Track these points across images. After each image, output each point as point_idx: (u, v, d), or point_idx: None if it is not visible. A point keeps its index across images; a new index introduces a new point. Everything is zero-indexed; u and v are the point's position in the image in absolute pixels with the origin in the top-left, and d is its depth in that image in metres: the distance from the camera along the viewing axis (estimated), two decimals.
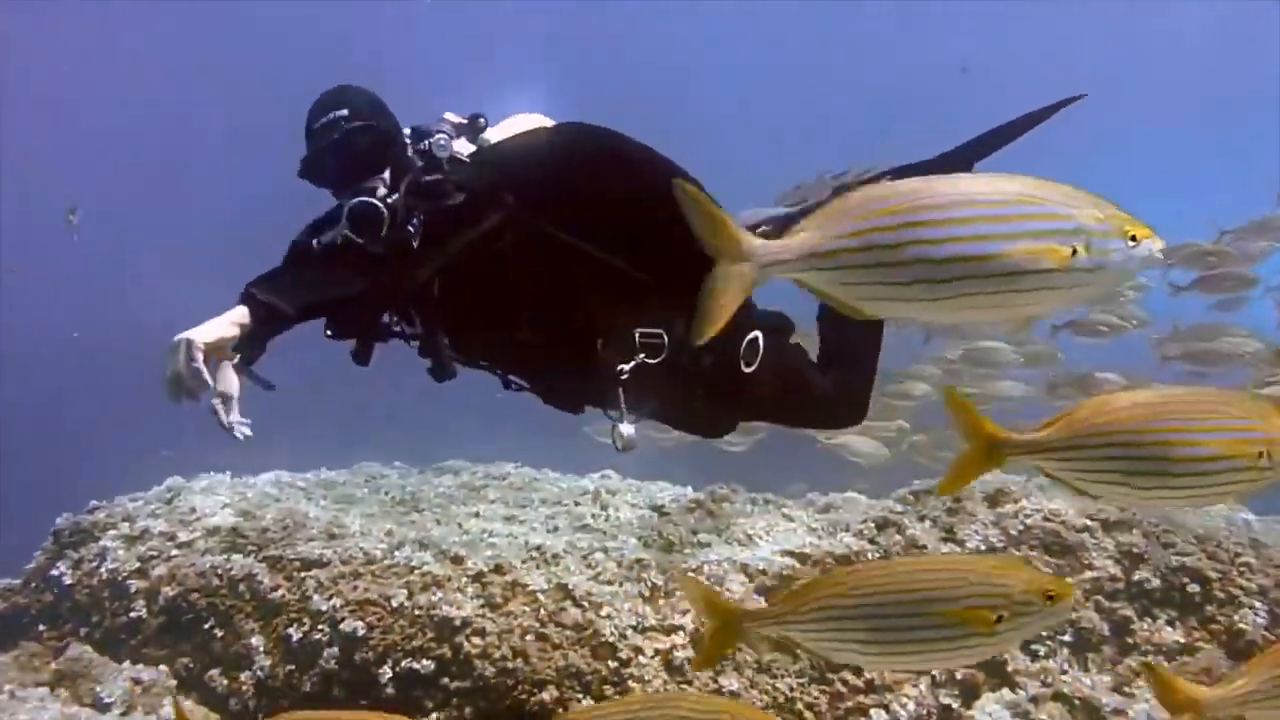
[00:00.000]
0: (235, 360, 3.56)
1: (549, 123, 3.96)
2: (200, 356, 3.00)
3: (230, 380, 3.45)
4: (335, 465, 7.43)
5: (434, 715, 4.76)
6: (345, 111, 3.53)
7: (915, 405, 7.84)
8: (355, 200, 3.43)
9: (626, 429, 3.79)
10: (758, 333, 3.92)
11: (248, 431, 3.33)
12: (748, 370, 3.91)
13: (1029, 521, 5.31)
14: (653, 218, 3.73)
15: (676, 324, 3.82)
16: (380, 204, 3.42)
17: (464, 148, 3.70)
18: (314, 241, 3.49)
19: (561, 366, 3.81)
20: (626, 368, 3.73)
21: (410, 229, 3.42)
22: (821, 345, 4.35)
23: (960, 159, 4.13)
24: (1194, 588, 4.90)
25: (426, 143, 3.62)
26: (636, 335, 3.76)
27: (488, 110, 3.84)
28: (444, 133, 3.65)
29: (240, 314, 3.13)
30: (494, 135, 3.80)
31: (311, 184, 3.63)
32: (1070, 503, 5.49)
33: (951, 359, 7.42)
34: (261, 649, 5.05)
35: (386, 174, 3.53)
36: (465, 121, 3.74)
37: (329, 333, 3.64)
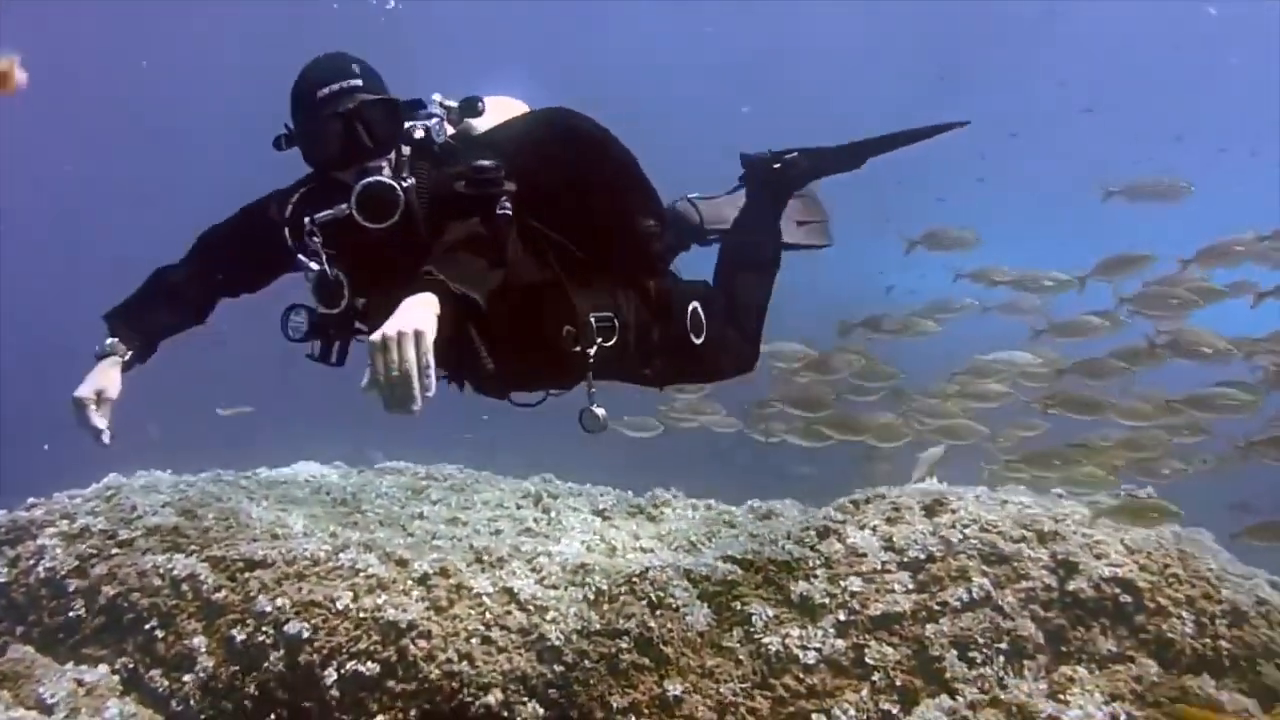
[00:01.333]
0: (126, 357, 3.58)
1: (524, 107, 4.00)
2: (432, 356, 2.81)
3: (114, 380, 3.48)
4: (275, 464, 7.39)
5: (379, 718, 4.76)
6: (358, 81, 3.48)
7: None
8: (371, 180, 3.41)
9: (600, 410, 3.87)
10: (696, 304, 4.02)
11: (106, 440, 3.35)
12: (698, 341, 4.05)
13: (966, 531, 5.40)
14: (607, 205, 3.82)
15: (623, 307, 3.91)
16: (397, 187, 3.42)
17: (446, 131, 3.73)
18: (307, 219, 3.46)
19: (531, 353, 3.82)
20: (591, 351, 3.80)
21: (505, 212, 3.45)
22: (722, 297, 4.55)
23: (858, 152, 4.96)
24: (1125, 598, 5.03)
25: (421, 126, 3.62)
26: (594, 320, 3.85)
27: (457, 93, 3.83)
28: (437, 116, 3.66)
29: (431, 302, 2.95)
30: (477, 121, 3.83)
31: (306, 157, 3.58)
32: (1005, 513, 5.61)
33: (1060, 369, 7.29)
34: (204, 650, 5.01)
35: (392, 154, 3.51)
36: (455, 105, 3.72)
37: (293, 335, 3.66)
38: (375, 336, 2.78)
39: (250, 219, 3.81)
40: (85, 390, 3.45)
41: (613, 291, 3.95)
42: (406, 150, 3.60)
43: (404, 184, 3.45)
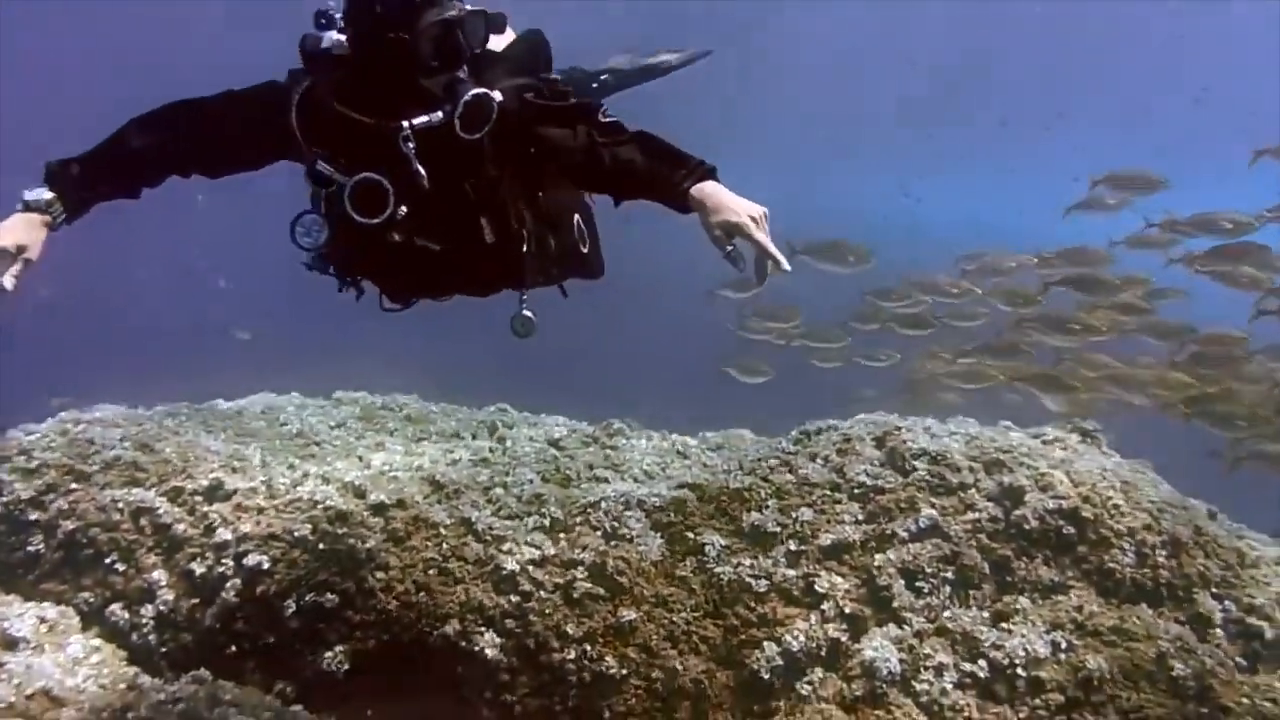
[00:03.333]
0: (58, 220, 3.43)
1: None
2: None
3: (39, 240, 3.33)
4: (230, 396, 7.37)
5: (338, 648, 4.84)
6: None
7: None
8: (479, 92, 3.50)
9: (529, 314, 4.05)
10: (577, 215, 4.27)
11: (7, 302, 3.23)
12: (585, 250, 4.29)
13: (916, 463, 5.49)
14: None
15: (524, 215, 4.01)
16: (495, 100, 3.52)
17: None
18: (406, 124, 3.47)
19: (490, 258, 3.92)
20: (522, 253, 3.96)
21: (614, 118, 3.62)
22: None
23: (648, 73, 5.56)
24: (1069, 529, 5.14)
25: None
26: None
27: None
28: None
29: None
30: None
31: (378, 58, 3.48)
32: (954, 445, 5.70)
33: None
34: (164, 583, 5.06)
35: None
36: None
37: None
38: (743, 220, 3.22)
39: (251, 107, 3.70)
40: (7, 240, 3.26)
41: (514, 200, 4.01)
42: None
43: (499, 100, 3.53)
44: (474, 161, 3.63)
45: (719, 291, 8.83)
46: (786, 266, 3.24)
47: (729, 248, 3.25)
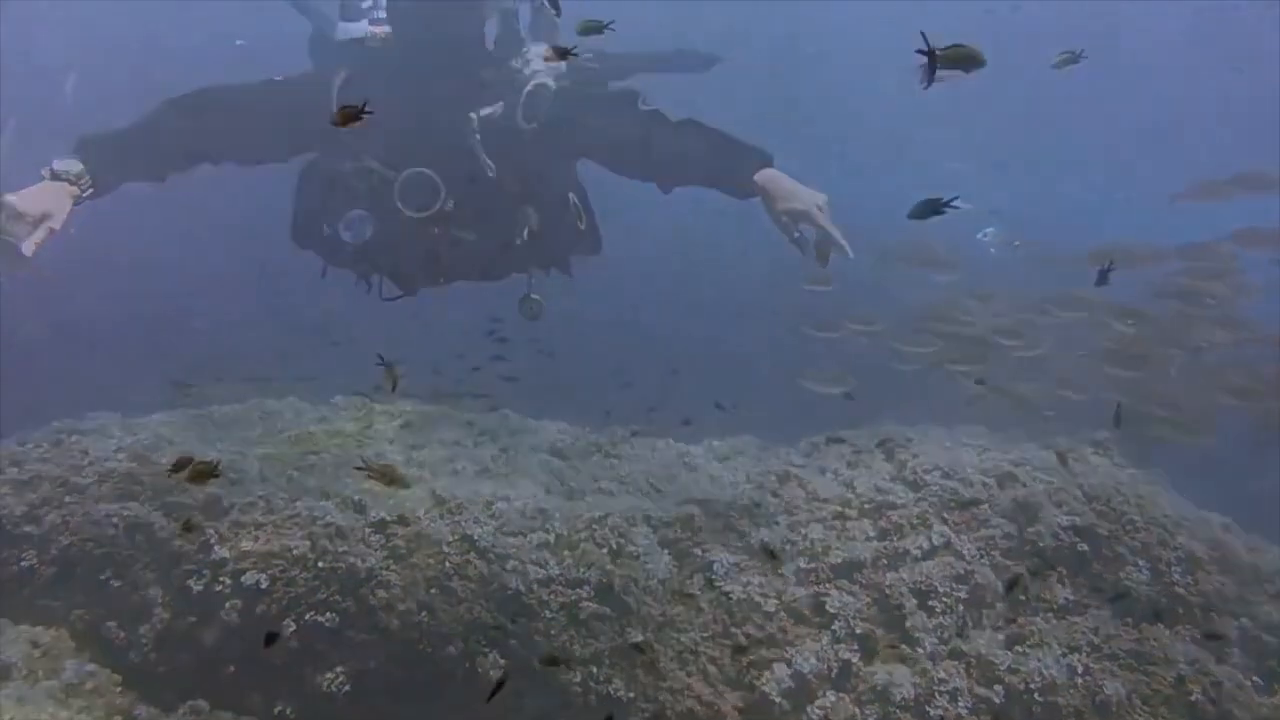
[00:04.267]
0: (84, 195, 3.36)
1: None
2: None
3: (64, 210, 3.25)
4: (227, 400, 7.22)
5: (338, 669, 4.73)
6: None
7: None
8: (541, 83, 3.59)
9: (537, 296, 4.19)
10: (572, 194, 4.22)
11: (20, 262, 3.10)
12: (582, 227, 4.27)
13: (928, 478, 5.41)
14: None
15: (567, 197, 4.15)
16: (551, 90, 3.62)
17: None
18: (473, 115, 3.55)
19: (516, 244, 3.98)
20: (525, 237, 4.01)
21: (652, 106, 3.70)
22: None
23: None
24: (1083, 546, 5.06)
25: None
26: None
27: None
28: None
29: None
30: None
31: (445, 45, 3.52)
32: (966, 459, 5.61)
33: None
34: (160, 601, 4.94)
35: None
36: None
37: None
38: (809, 207, 3.30)
39: (291, 97, 3.71)
40: (32, 206, 3.13)
41: (554, 187, 4.09)
42: None
43: (551, 85, 3.62)
44: (523, 150, 3.68)
45: (807, 287, 8.73)
46: (850, 252, 3.30)
47: (795, 234, 3.33)
